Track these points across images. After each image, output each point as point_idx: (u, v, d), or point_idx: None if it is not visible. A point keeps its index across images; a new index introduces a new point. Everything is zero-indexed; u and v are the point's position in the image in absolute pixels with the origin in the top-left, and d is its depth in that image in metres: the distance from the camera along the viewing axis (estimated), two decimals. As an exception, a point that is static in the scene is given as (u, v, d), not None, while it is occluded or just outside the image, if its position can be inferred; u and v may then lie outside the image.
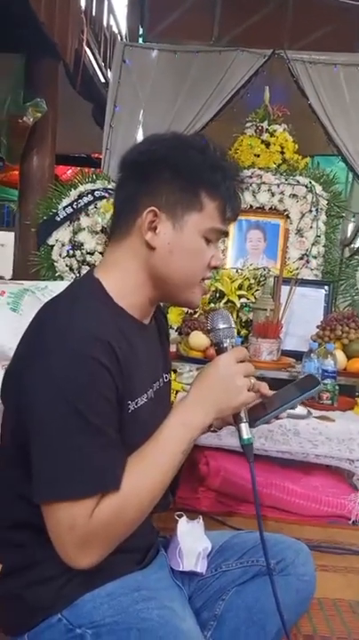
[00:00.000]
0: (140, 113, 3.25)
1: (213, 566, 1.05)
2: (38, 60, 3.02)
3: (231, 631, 0.97)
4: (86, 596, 0.85)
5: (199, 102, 3.16)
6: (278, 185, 2.72)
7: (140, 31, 5.04)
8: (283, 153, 2.79)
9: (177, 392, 1.88)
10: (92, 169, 3.67)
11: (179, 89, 3.22)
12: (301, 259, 2.67)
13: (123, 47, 3.33)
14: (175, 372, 2.00)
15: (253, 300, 2.53)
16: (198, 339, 2.17)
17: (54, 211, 2.72)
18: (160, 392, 1.00)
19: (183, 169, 0.87)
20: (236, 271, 2.67)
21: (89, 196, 2.68)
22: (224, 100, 3.13)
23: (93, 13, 4.45)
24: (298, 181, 2.71)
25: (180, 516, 1.09)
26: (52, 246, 2.71)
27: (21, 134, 2.87)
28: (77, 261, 2.67)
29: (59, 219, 2.68)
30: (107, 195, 2.67)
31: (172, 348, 2.19)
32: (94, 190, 2.70)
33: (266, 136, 2.80)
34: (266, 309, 2.28)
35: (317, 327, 2.25)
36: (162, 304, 1.06)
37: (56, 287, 2.13)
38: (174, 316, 2.43)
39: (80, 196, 2.70)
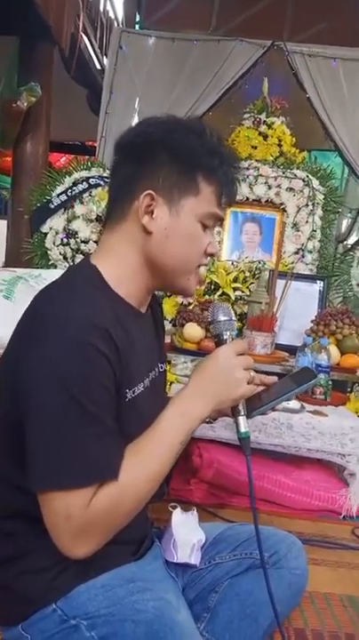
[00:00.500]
0: (136, 100, 3.22)
1: (207, 558, 1.05)
2: (33, 44, 2.96)
3: (224, 623, 0.97)
4: (81, 587, 0.84)
5: (196, 91, 3.13)
6: (275, 178, 2.70)
7: (137, 18, 4.98)
8: (280, 146, 2.77)
9: (171, 383, 1.87)
10: (87, 157, 3.62)
11: (176, 77, 3.19)
12: (297, 253, 2.67)
13: (120, 33, 3.29)
14: (169, 363, 1.99)
15: (248, 293, 2.52)
16: (193, 330, 2.16)
17: (48, 198, 2.68)
18: (156, 381, 0.99)
19: (181, 152, 0.86)
20: (232, 264, 2.65)
21: (84, 183, 2.65)
22: (222, 90, 3.11)
23: (90, -3, 4.37)
24: (295, 175, 2.70)
25: (175, 508, 1.09)
26: (46, 234, 2.68)
27: (15, 119, 2.81)
28: (71, 250, 2.64)
29: (53, 206, 2.65)
30: (102, 182, 2.64)
31: (167, 340, 2.18)
32: (89, 178, 2.67)
33: (263, 128, 2.78)
34: (261, 302, 2.27)
35: (312, 322, 2.25)
36: (157, 294, 1.05)
37: (50, 275, 2.11)
38: (169, 308, 2.42)
39: (75, 184, 2.66)
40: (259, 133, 2.78)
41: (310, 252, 2.68)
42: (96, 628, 0.81)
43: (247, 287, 2.57)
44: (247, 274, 2.60)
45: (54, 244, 2.66)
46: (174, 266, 0.90)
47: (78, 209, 2.65)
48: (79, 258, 2.59)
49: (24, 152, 3.02)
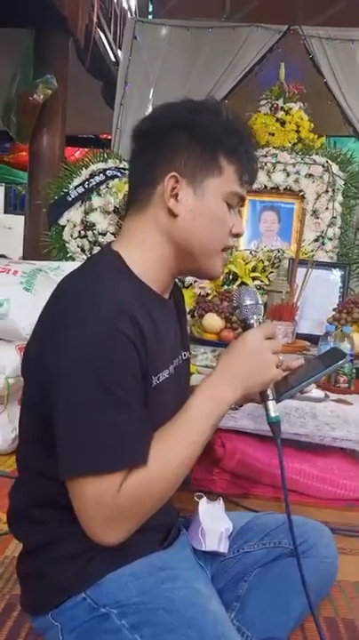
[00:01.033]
0: (151, 91, 3.19)
1: (235, 547, 1.03)
2: (48, 36, 2.96)
3: (255, 612, 0.96)
4: (110, 575, 0.83)
5: (212, 80, 3.09)
6: (294, 164, 2.66)
7: (150, 8, 4.94)
8: (298, 132, 2.73)
9: (191, 374, 1.86)
10: (101, 150, 3.61)
11: (190, 66, 3.16)
12: (316, 240, 2.63)
13: (134, 23, 3.26)
14: (190, 353, 1.97)
15: (267, 283, 2.49)
16: (212, 320, 2.14)
17: (65, 190, 2.68)
18: (179, 369, 0.97)
19: (201, 132, 0.85)
20: (250, 253, 2.63)
21: (100, 175, 2.64)
22: (238, 77, 3.07)
23: (104, -12, 4.35)
24: (314, 161, 2.65)
25: (201, 497, 1.08)
26: (64, 227, 2.68)
27: (32, 112, 2.81)
28: (89, 242, 2.64)
29: (70, 199, 2.65)
30: (119, 174, 2.63)
31: (186, 330, 2.16)
32: (106, 169, 2.66)
33: (281, 114, 2.74)
34: (281, 292, 2.25)
35: (334, 310, 2.21)
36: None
37: (69, 267, 2.10)
38: (187, 299, 2.39)
39: (92, 176, 2.66)
40: (277, 120, 2.74)
41: (330, 239, 2.64)
42: (127, 616, 0.80)
43: (266, 276, 2.54)
44: (266, 263, 2.57)
45: (72, 236, 2.66)
46: (202, 247, 0.88)
47: (95, 201, 2.64)
48: (97, 250, 2.59)
49: (40, 145, 3.03)
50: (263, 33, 3.05)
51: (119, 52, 4.11)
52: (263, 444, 1.72)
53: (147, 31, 3.23)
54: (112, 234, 2.62)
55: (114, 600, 0.81)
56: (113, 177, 2.62)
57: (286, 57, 3.02)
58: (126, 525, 0.77)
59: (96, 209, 2.63)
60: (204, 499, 1.08)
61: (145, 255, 0.87)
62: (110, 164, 2.70)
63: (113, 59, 4.47)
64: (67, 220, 2.66)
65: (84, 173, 2.68)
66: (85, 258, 2.62)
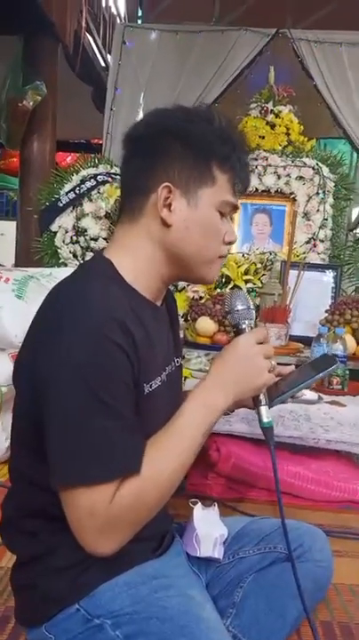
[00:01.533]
0: (141, 96, 3.19)
1: (230, 553, 1.03)
2: (37, 42, 2.96)
3: (250, 618, 0.96)
4: (104, 585, 0.83)
5: (202, 84, 3.10)
6: (284, 167, 2.67)
7: (139, 13, 4.95)
8: (288, 135, 2.74)
9: (185, 378, 1.86)
10: (92, 155, 3.62)
11: (180, 70, 3.16)
12: (308, 242, 2.64)
13: (124, 28, 3.27)
14: (183, 358, 1.97)
15: (259, 285, 2.50)
16: (206, 324, 2.14)
17: (56, 196, 2.68)
18: (172, 376, 0.97)
19: (194, 141, 0.84)
20: (242, 256, 2.63)
21: (92, 180, 2.64)
22: (227, 81, 3.08)
23: (91, -6, 4.35)
24: (304, 163, 2.67)
25: (195, 503, 1.07)
26: (55, 233, 2.68)
27: (21, 118, 2.81)
28: (81, 247, 2.63)
29: (61, 204, 2.64)
30: (110, 179, 2.63)
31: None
32: (97, 175, 2.66)
33: (271, 117, 2.75)
34: (273, 294, 2.25)
35: (326, 312, 2.22)
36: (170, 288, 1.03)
37: (60, 274, 2.10)
38: (180, 303, 2.40)
39: (82, 181, 2.66)
40: (267, 123, 2.75)
41: (322, 241, 2.65)
42: (121, 626, 0.80)
43: (259, 279, 2.54)
44: (258, 265, 2.58)
45: (64, 242, 2.66)
46: (196, 257, 0.88)
47: (87, 206, 2.64)
48: (89, 255, 2.58)
49: (31, 151, 3.02)
50: (252, 36, 3.06)
51: (109, 56, 4.11)
52: (258, 448, 1.72)
53: (137, 36, 3.23)
54: (104, 239, 2.61)
55: (107, 610, 0.81)
56: (104, 182, 2.62)
57: (275, 60, 3.03)
58: (120, 535, 0.77)
59: (87, 214, 2.63)
60: (199, 505, 1.07)
61: (136, 263, 0.87)
62: (101, 169, 2.70)
63: (102, 64, 4.47)
64: (59, 226, 2.66)
65: (75, 179, 2.68)
66: (78, 263, 2.61)
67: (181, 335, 2.21)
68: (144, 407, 0.82)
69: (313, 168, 2.66)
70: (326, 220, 2.64)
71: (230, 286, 2.54)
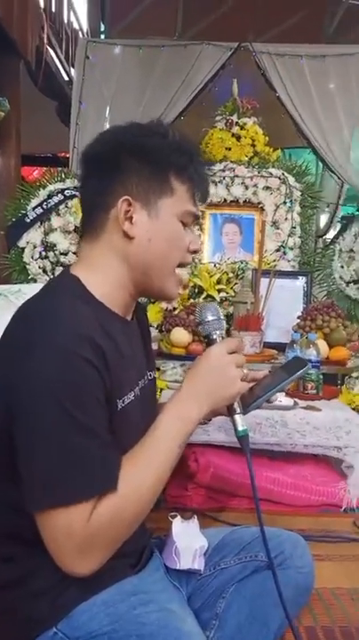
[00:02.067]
0: (107, 110, 3.20)
1: (211, 564, 1.03)
2: (-2, 59, 2.94)
3: (234, 629, 0.95)
4: (81, 605, 0.81)
5: (166, 97, 3.12)
6: (251, 178, 2.71)
7: (102, 28, 4.99)
8: (254, 146, 2.78)
9: (161, 390, 1.85)
10: (60, 168, 3.60)
11: (145, 84, 3.18)
12: (278, 250, 2.67)
13: (86, 43, 3.27)
14: (158, 370, 1.97)
15: (232, 294, 2.51)
16: (180, 335, 2.14)
17: (23, 212, 2.65)
18: (145, 390, 0.97)
19: (150, 155, 0.86)
20: (214, 266, 2.65)
21: (59, 195, 2.62)
22: (192, 94, 3.10)
23: (53, 9, 4.37)
24: (271, 173, 2.71)
25: (174, 517, 1.06)
26: (24, 249, 2.64)
27: (-15, 135, 2.78)
28: (51, 263, 2.61)
29: (28, 220, 2.61)
30: (77, 194, 2.61)
31: (154, 346, 2.16)
32: (64, 189, 2.64)
33: (236, 129, 2.79)
34: (246, 302, 2.27)
35: (298, 318, 2.25)
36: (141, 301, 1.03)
37: (29, 290, 2.07)
38: (153, 314, 2.40)
39: (50, 196, 2.64)
40: (233, 135, 2.79)
41: (291, 248, 2.69)
42: (100, 646, 0.78)
43: (231, 288, 2.56)
44: (230, 275, 2.60)
45: (33, 257, 2.63)
46: (160, 267, 0.89)
47: (55, 221, 2.62)
48: (59, 270, 2.53)
49: (-4, 167, 2.99)
50: (214, 50, 3.10)
51: (72, 70, 4.11)
52: (237, 456, 1.72)
53: (100, 51, 3.24)
54: (74, 253, 2.59)
55: (85, 632, 0.79)
56: (71, 197, 2.60)
57: (239, 73, 3.08)
58: (99, 554, 0.75)
59: (56, 229, 2.61)
60: (178, 518, 1.07)
61: (103, 278, 0.87)
62: (68, 183, 2.69)
63: (66, 78, 4.47)
64: (27, 242, 2.63)
65: (42, 194, 2.66)
66: (48, 279, 2.58)
67: (156, 347, 2.22)
68: (118, 423, 0.82)
69: (279, 178, 2.71)
70: (294, 227, 2.68)
71: (203, 296, 2.55)
